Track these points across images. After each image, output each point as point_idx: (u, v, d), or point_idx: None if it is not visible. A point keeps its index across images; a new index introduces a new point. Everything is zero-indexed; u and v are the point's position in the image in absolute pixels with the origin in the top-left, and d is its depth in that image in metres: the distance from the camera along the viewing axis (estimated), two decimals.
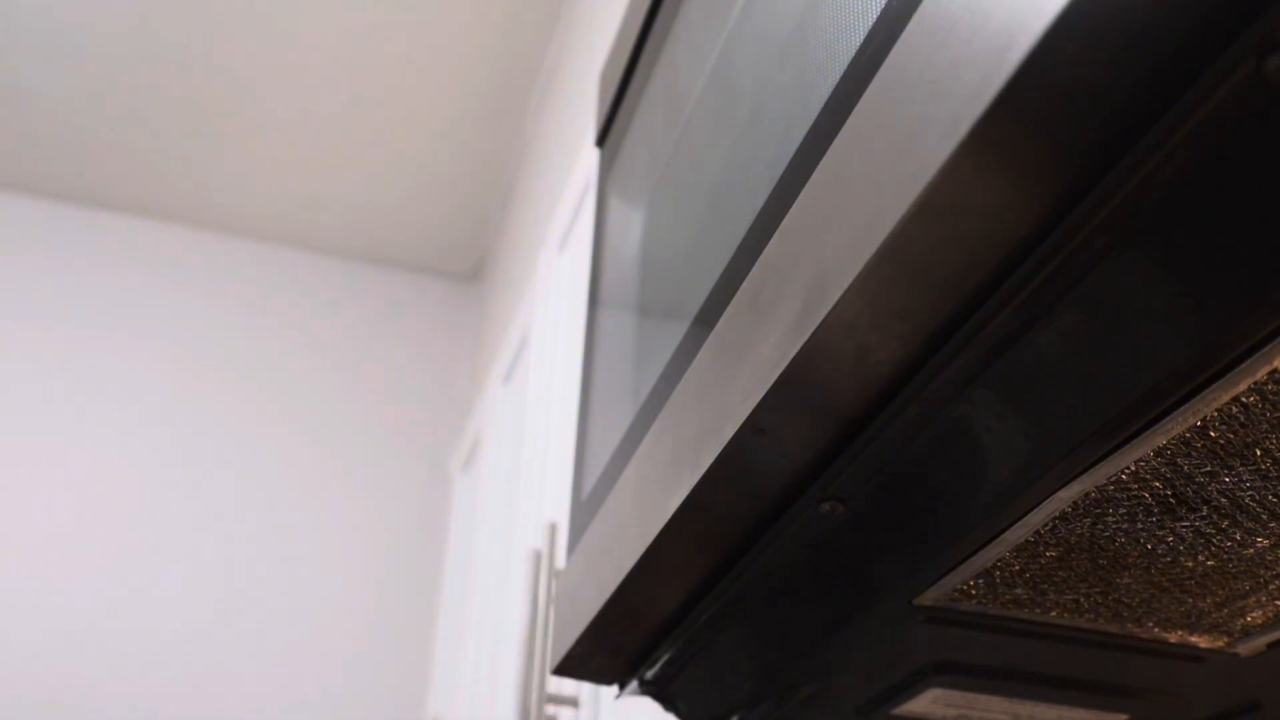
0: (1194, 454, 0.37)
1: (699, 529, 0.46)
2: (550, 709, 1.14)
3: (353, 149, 2.67)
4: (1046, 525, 0.41)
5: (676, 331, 0.52)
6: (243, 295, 2.85)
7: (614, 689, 0.64)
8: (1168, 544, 0.42)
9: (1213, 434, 0.36)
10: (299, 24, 2.36)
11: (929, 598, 0.48)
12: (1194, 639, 0.50)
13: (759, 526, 0.45)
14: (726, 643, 0.56)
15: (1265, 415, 0.35)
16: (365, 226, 2.91)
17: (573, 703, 1.12)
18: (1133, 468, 0.38)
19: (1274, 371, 0.33)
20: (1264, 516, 0.40)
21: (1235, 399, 0.34)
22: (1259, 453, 0.37)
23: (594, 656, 0.61)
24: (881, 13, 0.35)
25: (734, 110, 0.51)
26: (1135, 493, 0.39)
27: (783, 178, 0.41)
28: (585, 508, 0.63)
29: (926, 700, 0.57)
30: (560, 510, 1.39)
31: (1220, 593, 0.46)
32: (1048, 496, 0.39)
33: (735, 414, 0.40)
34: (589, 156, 1.53)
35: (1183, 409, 0.34)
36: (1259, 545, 0.42)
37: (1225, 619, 0.48)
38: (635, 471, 0.52)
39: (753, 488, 0.43)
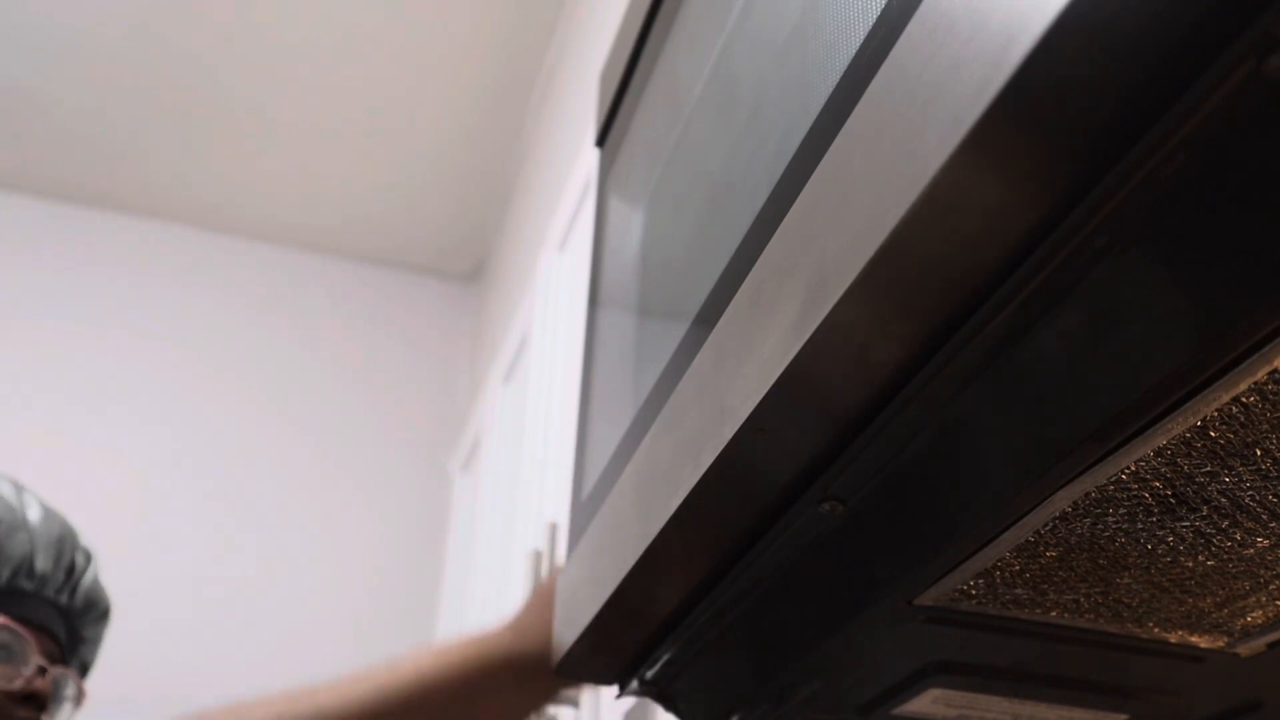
0: (1194, 454, 0.37)
1: (699, 529, 0.46)
2: (550, 709, 1.14)
3: (353, 149, 2.67)
4: (1046, 525, 0.41)
5: (676, 331, 0.52)
6: (243, 295, 2.85)
7: (614, 689, 0.64)
8: (1168, 544, 0.42)
9: (1213, 434, 0.36)
10: (299, 25, 2.36)
11: (929, 598, 0.48)
12: (1194, 639, 0.50)
13: (759, 526, 0.45)
14: (726, 642, 0.56)
15: (1265, 415, 0.35)
16: (365, 226, 2.91)
17: (573, 703, 1.12)
18: (1133, 468, 0.38)
19: (1274, 371, 0.33)
20: (1264, 516, 0.40)
21: (1235, 399, 0.34)
22: (1259, 453, 0.37)
23: (594, 656, 0.61)
24: (881, 13, 0.35)
25: (734, 110, 0.51)
26: (1135, 493, 0.39)
27: (783, 178, 0.41)
28: (585, 508, 0.63)
29: (926, 700, 0.57)
30: (560, 510, 1.38)
31: (1220, 593, 0.46)
32: (1048, 496, 0.39)
33: (735, 414, 0.40)
34: (589, 156, 1.53)
35: (1183, 409, 0.34)
36: (1259, 545, 0.42)
37: (1225, 619, 0.48)
38: (635, 471, 0.52)
39: (753, 488, 0.43)
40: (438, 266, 3.05)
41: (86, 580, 0.85)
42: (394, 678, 0.68)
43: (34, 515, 0.82)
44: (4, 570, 0.78)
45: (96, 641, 0.89)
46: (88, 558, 0.85)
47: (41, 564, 0.80)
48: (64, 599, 0.82)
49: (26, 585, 0.79)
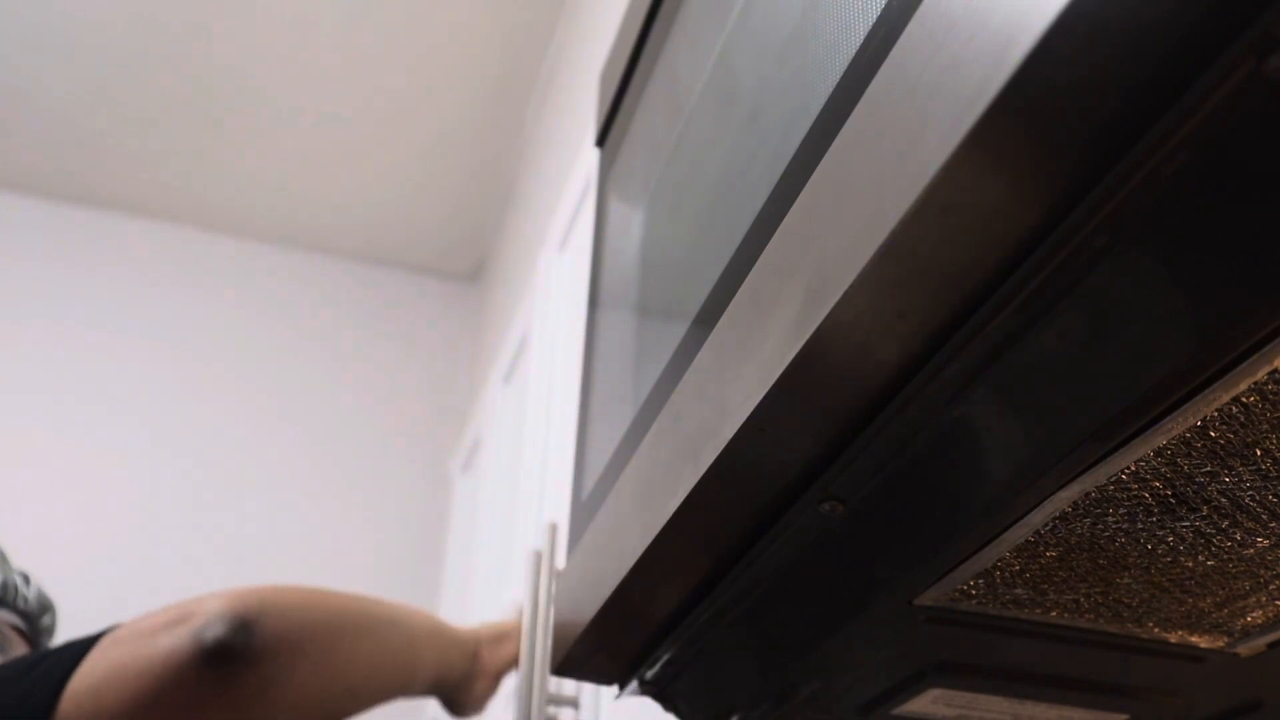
0: (1194, 454, 0.37)
1: (699, 529, 0.46)
2: (550, 709, 1.14)
3: (353, 149, 2.67)
4: (1046, 525, 0.41)
5: (676, 331, 0.52)
6: (243, 295, 2.85)
7: (614, 689, 0.64)
8: (1168, 544, 0.42)
9: (1213, 434, 0.36)
10: (299, 25, 2.36)
11: (929, 598, 0.48)
12: (1194, 639, 0.50)
13: (759, 526, 0.45)
14: (726, 643, 0.56)
15: (1265, 415, 0.35)
16: (365, 226, 2.91)
17: (573, 703, 1.12)
18: (1133, 468, 0.38)
19: (1274, 371, 0.33)
20: (1264, 516, 0.40)
21: (1235, 399, 0.34)
22: (1259, 453, 0.37)
23: (594, 656, 0.61)
24: (881, 13, 0.35)
25: (734, 110, 0.51)
26: (1135, 493, 0.39)
27: (783, 178, 0.41)
28: (585, 508, 0.63)
29: (926, 700, 0.57)
30: (560, 510, 1.38)
31: (1220, 593, 0.46)
32: (1048, 496, 0.39)
33: (736, 414, 0.40)
34: (589, 156, 1.53)
35: (1183, 409, 0.34)
36: (1259, 545, 0.42)
37: (1225, 619, 0.48)
38: (635, 471, 0.52)
39: (753, 488, 0.43)
40: (438, 266, 3.05)
41: (34, 588, 0.93)
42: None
43: None
44: None
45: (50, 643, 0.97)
46: (23, 572, 0.94)
47: None
48: (22, 604, 0.91)
49: None
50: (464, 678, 0.87)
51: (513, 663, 0.95)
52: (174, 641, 0.62)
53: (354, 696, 0.72)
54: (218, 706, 0.63)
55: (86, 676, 0.62)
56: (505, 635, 0.93)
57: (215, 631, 0.63)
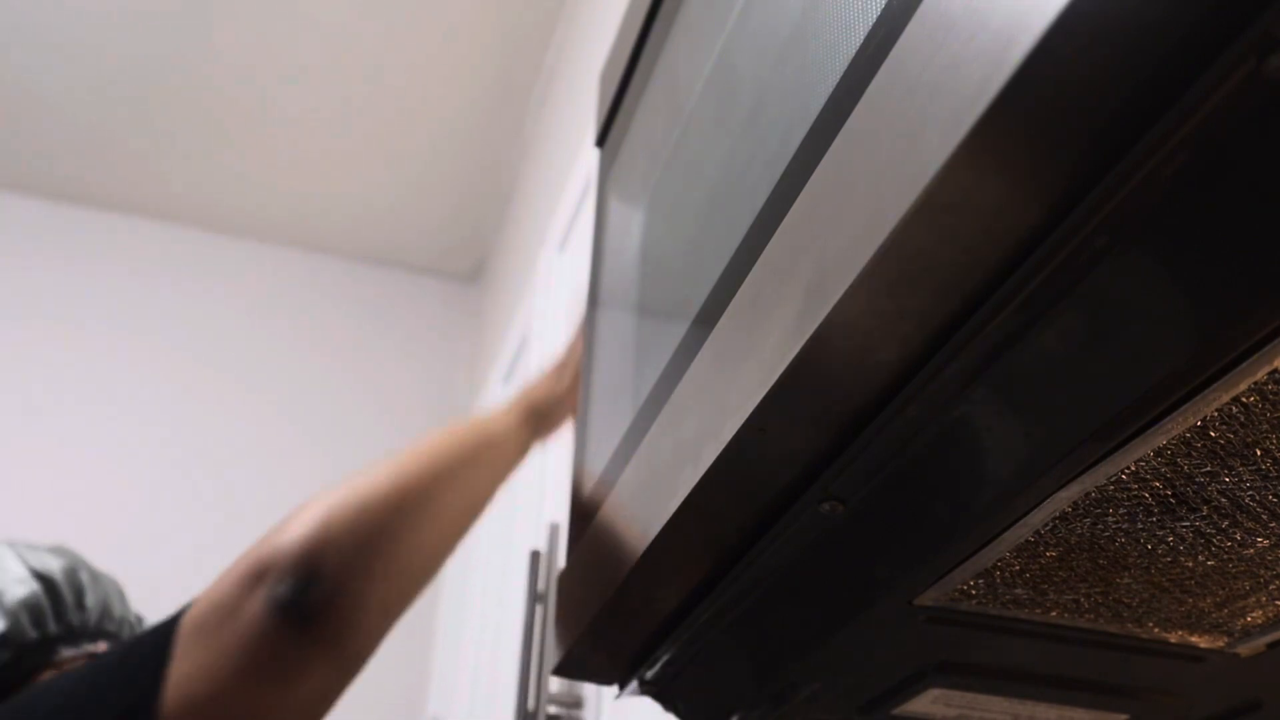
0: (1194, 454, 0.37)
1: (699, 529, 0.46)
2: (551, 709, 1.14)
3: (353, 149, 2.67)
4: (1046, 525, 0.41)
5: (676, 331, 0.52)
6: (243, 295, 2.85)
7: (614, 689, 0.64)
8: (1168, 544, 0.42)
9: (1213, 434, 0.36)
10: (299, 24, 2.36)
11: (929, 598, 0.48)
12: (1194, 639, 0.50)
13: (759, 526, 0.45)
14: (726, 643, 0.56)
15: (1265, 415, 0.35)
16: (365, 226, 2.91)
17: (574, 703, 1.12)
18: (1133, 468, 0.38)
19: (1274, 371, 0.33)
20: (1264, 516, 0.40)
21: (1235, 399, 0.34)
22: (1259, 453, 0.37)
23: (594, 656, 0.61)
24: (881, 13, 0.35)
25: (734, 110, 0.51)
26: (1135, 493, 0.39)
27: (783, 178, 0.41)
28: (585, 508, 0.63)
29: (926, 700, 0.57)
30: (560, 510, 1.39)
31: (1220, 593, 0.46)
32: (1048, 496, 0.39)
33: (736, 414, 0.40)
34: (589, 156, 1.53)
35: (1183, 409, 0.34)
36: (1259, 545, 0.42)
37: (1225, 619, 0.48)
38: (635, 471, 0.52)
39: (753, 488, 0.43)
40: (438, 266, 3.05)
41: (145, 625, 0.95)
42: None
43: (94, 568, 0.93)
44: (93, 613, 0.87)
45: None
46: (139, 615, 0.95)
47: (118, 609, 0.91)
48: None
49: (110, 627, 0.89)
50: (529, 452, 0.91)
51: (567, 416, 0.95)
52: (256, 612, 0.64)
53: (434, 563, 0.74)
54: (318, 654, 0.65)
55: (183, 663, 0.63)
56: (550, 412, 0.93)
57: (286, 591, 0.65)
